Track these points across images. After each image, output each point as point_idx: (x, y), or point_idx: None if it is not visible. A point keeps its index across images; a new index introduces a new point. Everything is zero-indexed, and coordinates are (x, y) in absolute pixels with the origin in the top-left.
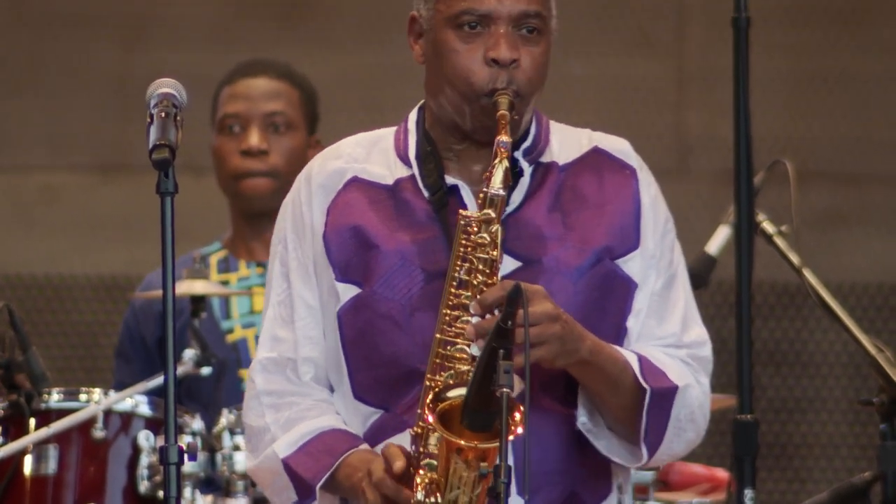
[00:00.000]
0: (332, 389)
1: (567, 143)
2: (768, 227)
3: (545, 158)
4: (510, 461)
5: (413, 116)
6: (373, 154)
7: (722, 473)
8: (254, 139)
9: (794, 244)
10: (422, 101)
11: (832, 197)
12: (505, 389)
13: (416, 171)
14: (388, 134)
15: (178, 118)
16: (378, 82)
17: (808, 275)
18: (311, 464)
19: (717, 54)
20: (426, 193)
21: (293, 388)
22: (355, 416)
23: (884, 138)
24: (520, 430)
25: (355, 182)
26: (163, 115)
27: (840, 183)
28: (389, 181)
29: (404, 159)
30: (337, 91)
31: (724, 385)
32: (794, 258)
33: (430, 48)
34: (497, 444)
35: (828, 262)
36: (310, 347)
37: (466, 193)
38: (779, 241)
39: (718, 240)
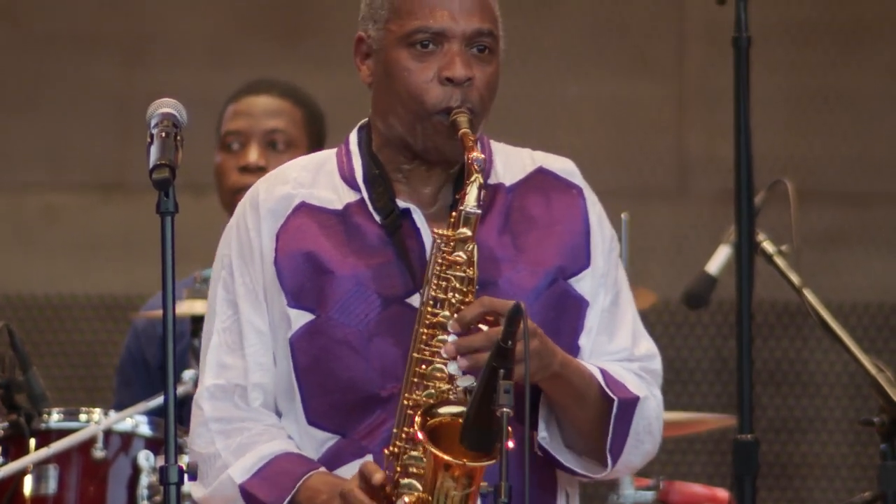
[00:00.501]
0: (279, 416)
1: (510, 163)
2: (769, 246)
3: (492, 180)
4: (483, 483)
5: (354, 138)
6: (319, 178)
7: (722, 493)
8: (252, 155)
9: (795, 264)
10: (361, 122)
11: (833, 216)
12: (505, 409)
13: (365, 194)
14: (331, 156)
15: (179, 138)
16: None
17: (809, 294)
18: (270, 488)
19: (716, 74)
20: (378, 217)
21: (242, 414)
22: (309, 443)
23: (884, 158)
24: (510, 444)
25: (304, 207)
26: (163, 134)
27: (840, 202)
28: (338, 206)
29: (351, 183)
30: (337, 110)
31: (724, 405)
32: (795, 278)
33: (381, 68)
34: (485, 462)
35: (828, 282)
36: (260, 374)
37: (418, 216)
38: (779, 261)
39: (719, 259)
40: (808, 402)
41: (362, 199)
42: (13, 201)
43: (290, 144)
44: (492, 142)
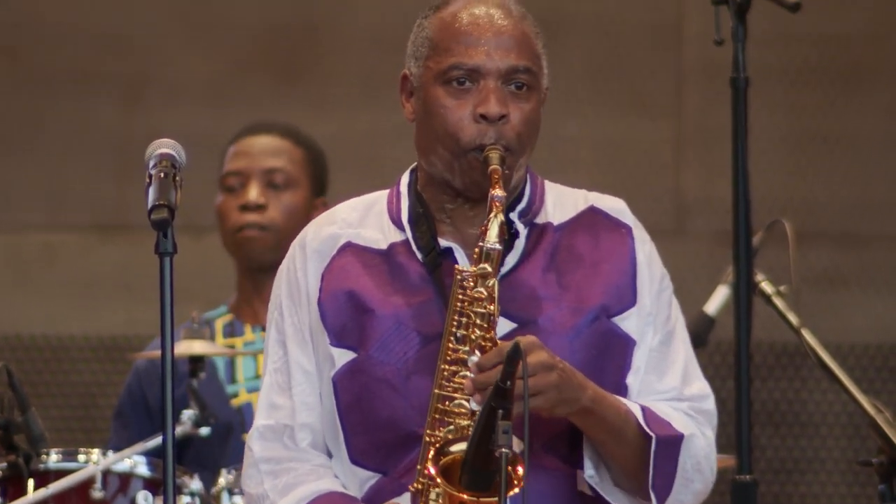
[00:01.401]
0: (330, 455)
1: (562, 202)
2: (767, 287)
3: (540, 219)
4: None
5: (405, 179)
6: (368, 218)
7: None
8: (252, 194)
9: (793, 304)
10: (414, 164)
11: (831, 257)
12: (504, 450)
13: (409, 234)
14: (382, 197)
15: (178, 178)
16: (377, 141)
17: (807, 335)
18: None
19: (714, 114)
20: (419, 255)
21: (291, 455)
22: (353, 481)
23: (883, 199)
24: (516, 490)
25: (349, 247)
26: (162, 175)
27: (839, 243)
28: (383, 245)
29: (398, 223)
30: (336, 150)
31: (723, 445)
32: (793, 318)
33: (421, 106)
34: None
35: (827, 323)
36: (307, 413)
37: (461, 255)
38: (777, 302)
39: (717, 300)
40: (807, 443)
41: (407, 239)
42: (12, 241)
43: (290, 183)
44: (546, 182)
